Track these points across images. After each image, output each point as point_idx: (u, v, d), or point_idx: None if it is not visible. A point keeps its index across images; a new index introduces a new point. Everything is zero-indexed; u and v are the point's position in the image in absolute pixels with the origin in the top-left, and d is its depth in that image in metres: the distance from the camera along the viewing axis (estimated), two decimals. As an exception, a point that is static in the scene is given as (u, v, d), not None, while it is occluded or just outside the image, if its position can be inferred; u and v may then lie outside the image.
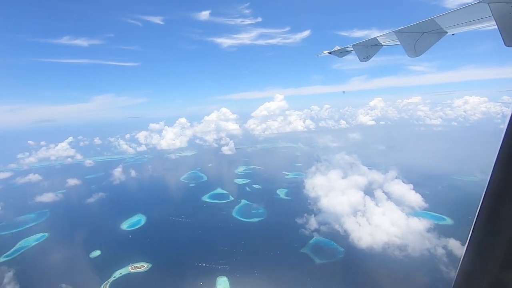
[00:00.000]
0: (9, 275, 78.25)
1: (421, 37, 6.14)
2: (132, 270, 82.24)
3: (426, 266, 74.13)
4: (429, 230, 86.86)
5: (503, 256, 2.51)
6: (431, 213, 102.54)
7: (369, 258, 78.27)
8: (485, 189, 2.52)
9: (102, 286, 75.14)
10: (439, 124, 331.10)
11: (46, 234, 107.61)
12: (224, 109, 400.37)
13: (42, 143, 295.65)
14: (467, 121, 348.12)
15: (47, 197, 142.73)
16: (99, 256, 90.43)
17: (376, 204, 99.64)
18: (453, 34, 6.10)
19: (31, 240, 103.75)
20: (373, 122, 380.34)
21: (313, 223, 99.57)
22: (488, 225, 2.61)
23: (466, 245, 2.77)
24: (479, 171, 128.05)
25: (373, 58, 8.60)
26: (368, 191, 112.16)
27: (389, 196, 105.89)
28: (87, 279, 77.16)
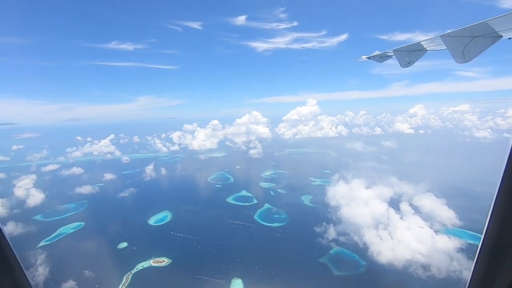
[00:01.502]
0: (43, 257, 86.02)
1: (471, 42, 5.67)
2: (153, 264, 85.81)
3: None
4: (459, 250, 79.27)
5: None
6: (468, 231, 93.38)
7: (388, 275, 73.39)
8: (497, 191, 2.57)
9: (125, 276, 79.31)
10: (487, 135, 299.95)
11: (83, 223, 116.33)
12: (255, 112, 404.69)
13: (89, 139, 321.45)
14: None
15: (86, 189, 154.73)
16: (125, 247, 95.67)
17: (401, 218, 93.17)
18: (509, 38, 5.51)
19: (69, 228, 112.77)
20: (411, 131, 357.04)
21: (332, 232, 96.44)
22: (501, 227, 2.64)
23: (479, 247, 2.80)
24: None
25: (416, 62, 8.26)
26: (394, 204, 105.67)
27: (417, 210, 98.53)
28: (112, 268, 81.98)
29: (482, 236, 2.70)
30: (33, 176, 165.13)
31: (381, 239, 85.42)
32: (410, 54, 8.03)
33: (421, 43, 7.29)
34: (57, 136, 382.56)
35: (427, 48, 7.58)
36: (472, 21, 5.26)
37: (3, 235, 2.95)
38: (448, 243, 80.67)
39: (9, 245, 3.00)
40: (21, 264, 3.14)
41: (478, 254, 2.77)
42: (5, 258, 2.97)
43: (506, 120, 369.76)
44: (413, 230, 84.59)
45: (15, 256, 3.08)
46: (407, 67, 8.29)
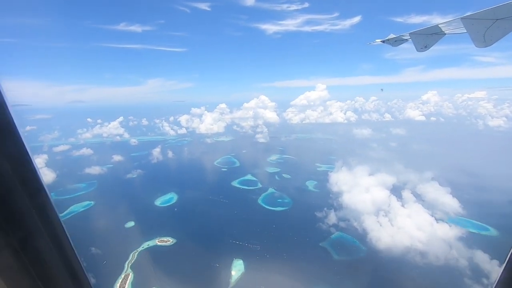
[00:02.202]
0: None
1: (494, 25, 5.41)
2: (158, 243, 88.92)
3: (447, 277, 68.43)
4: (459, 239, 79.18)
5: None
6: (473, 221, 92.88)
7: (387, 261, 74.23)
8: None
9: (131, 254, 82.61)
10: (502, 124, 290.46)
11: (92, 202, 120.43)
12: (263, 97, 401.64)
13: (99, 121, 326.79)
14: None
15: (96, 170, 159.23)
16: (132, 227, 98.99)
17: (402, 205, 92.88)
18: None
19: (80, 206, 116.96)
20: (422, 118, 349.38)
21: (332, 218, 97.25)
22: None
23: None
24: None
25: (432, 47, 7.99)
26: (396, 191, 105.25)
27: (419, 198, 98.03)
28: (120, 246, 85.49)
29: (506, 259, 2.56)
30: (45, 156, 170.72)
31: (381, 225, 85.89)
32: (427, 38, 7.75)
33: (439, 26, 7.04)
34: (68, 118, 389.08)
35: (445, 32, 7.32)
36: (493, 3, 5.04)
37: (66, 235, 3.14)
38: (448, 232, 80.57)
39: (72, 248, 3.20)
40: (82, 266, 3.35)
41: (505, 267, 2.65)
42: (65, 252, 3.15)
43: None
44: (413, 218, 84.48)
45: (76, 254, 3.27)
46: (423, 51, 8.03)
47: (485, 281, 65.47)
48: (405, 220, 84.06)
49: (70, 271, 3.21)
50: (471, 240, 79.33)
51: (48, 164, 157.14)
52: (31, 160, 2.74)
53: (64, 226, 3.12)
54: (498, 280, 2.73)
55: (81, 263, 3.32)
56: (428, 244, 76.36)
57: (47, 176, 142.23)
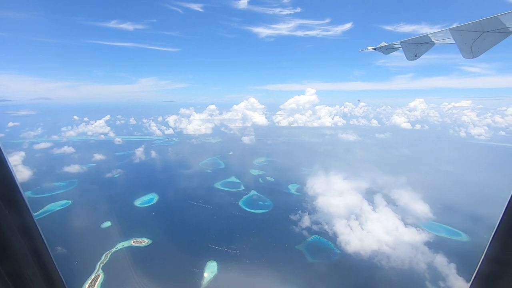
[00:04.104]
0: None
1: (481, 37, 5.57)
2: (133, 244, 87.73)
3: (410, 280, 69.91)
4: (426, 243, 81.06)
5: None
6: (446, 226, 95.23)
7: (354, 264, 75.48)
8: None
9: (104, 254, 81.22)
10: (483, 132, 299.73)
11: (70, 201, 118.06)
12: (252, 99, 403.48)
13: (85, 118, 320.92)
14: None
15: (76, 169, 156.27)
16: (108, 227, 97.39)
17: (373, 210, 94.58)
18: None
19: (57, 205, 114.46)
20: (407, 125, 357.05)
21: (306, 221, 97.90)
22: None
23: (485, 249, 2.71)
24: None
25: (422, 56, 8.15)
26: (369, 196, 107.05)
27: (392, 203, 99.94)
28: (93, 246, 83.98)
29: (483, 254, 2.66)
30: (22, 153, 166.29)
31: (351, 229, 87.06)
32: (417, 47, 7.93)
33: (429, 35, 7.20)
34: (55, 115, 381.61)
35: (434, 41, 7.48)
36: (481, 15, 5.23)
37: (39, 233, 3.07)
38: (416, 236, 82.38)
39: (44, 242, 3.12)
40: (52, 257, 3.26)
41: (478, 269, 2.74)
42: (39, 252, 3.07)
43: (504, 118, 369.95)
44: (382, 222, 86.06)
45: (48, 251, 3.19)
46: (413, 60, 8.21)
47: (441, 284, 67.47)
48: (374, 224, 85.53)
49: (44, 272, 3.12)
50: (438, 245, 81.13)
51: (25, 162, 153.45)
52: (3, 157, 2.65)
53: (38, 225, 3.04)
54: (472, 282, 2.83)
55: (55, 264, 3.24)
56: (395, 248, 77.86)
57: (23, 174, 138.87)
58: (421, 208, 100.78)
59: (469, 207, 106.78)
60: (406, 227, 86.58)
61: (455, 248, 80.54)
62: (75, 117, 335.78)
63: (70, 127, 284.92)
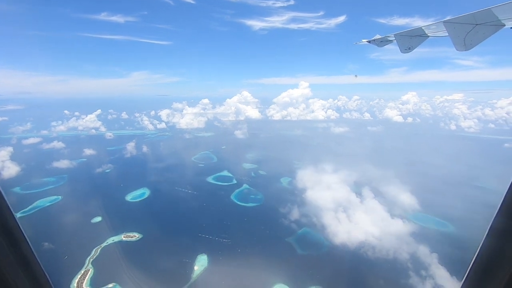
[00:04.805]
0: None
1: (474, 29, 5.56)
2: (124, 238, 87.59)
3: (393, 269, 71.80)
4: (412, 234, 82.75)
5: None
6: (434, 218, 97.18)
7: (341, 255, 76.95)
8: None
9: (94, 250, 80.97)
10: (473, 125, 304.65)
11: (60, 197, 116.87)
12: (245, 93, 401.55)
13: (76, 113, 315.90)
14: (507, 124, 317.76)
15: (66, 164, 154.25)
16: (99, 222, 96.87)
17: (361, 202, 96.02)
18: (511, 28, 5.48)
19: (46, 201, 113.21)
20: (399, 118, 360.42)
21: (295, 214, 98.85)
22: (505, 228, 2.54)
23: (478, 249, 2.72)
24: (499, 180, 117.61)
25: (416, 49, 8.11)
26: (358, 188, 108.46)
27: (378, 195, 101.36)
28: (83, 241, 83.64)
29: (477, 251, 2.67)
30: (10, 149, 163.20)
31: (338, 221, 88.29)
32: (411, 40, 7.94)
33: (423, 28, 7.19)
34: (45, 109, 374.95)
35: (428, 34, 7.50)
36: (473, 7, 5.17)
37: (20, 231, 2.97)
38: (402, 227, 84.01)
39: (26, 240, 3.03)
40: (37, 257, 3.17)
41: (471, 267, 2.76)
42: (23, 253, 3.00)
43: (494, 110, 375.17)
44: (369, 214, 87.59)
45: (32, 251, 3.11)
46: (407, 52, 8.20)
47: (423, 272, 69.51)
48: (361, 216, 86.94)
49: (27, 271, 3.05)
50: (423, 236, 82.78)
51: (13, 157, 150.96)
52: None
53: (19, 222, 2.95)
54: (466, 277, 2.83)
55: (38, 259, 3.16)
56: (380, 239, 79.39)
57: (10, 169, 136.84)
58: (408, 200, 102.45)
59: (456, 198, 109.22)
60: (392, 218, 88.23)
61: (440, 239, 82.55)
62: (65, 111, 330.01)
63: (60, 122, 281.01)
